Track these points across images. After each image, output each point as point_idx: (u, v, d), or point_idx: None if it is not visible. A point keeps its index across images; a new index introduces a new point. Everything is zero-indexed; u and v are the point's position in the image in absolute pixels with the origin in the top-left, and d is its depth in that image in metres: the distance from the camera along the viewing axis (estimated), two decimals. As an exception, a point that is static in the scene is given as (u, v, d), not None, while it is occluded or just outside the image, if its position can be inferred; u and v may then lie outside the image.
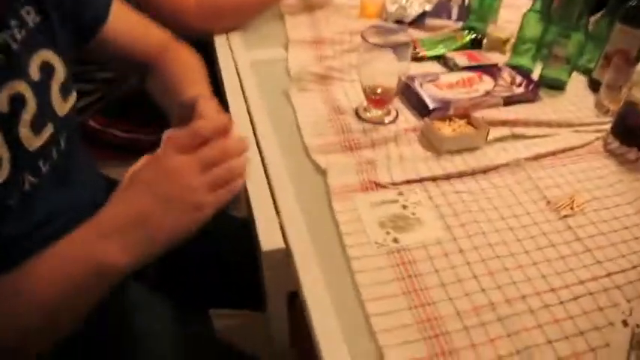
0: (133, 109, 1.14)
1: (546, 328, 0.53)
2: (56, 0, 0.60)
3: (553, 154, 0.80)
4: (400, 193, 0.68)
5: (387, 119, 0.83)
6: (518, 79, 0.93)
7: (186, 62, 0.80)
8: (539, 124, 0.86)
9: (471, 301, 0.55)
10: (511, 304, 0.55)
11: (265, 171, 0.72)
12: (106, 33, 0.72)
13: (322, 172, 0.72)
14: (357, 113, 0.84)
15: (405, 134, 0.80)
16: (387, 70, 0.79)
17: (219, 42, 1.05)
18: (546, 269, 0.60)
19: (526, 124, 0.85)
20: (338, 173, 0.71)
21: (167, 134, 0.58)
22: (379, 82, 0.81)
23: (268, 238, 0.61)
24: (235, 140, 0.57)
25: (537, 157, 0.78)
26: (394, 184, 0.70)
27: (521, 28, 0.99)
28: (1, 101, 0.53)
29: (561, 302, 0.56)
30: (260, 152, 0.75)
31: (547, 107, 0.91)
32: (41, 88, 0.59)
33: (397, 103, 0.87)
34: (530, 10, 0.97)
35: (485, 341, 0.51)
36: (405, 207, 0.66)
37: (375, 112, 0.83)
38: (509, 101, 0.90)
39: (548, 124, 0.86)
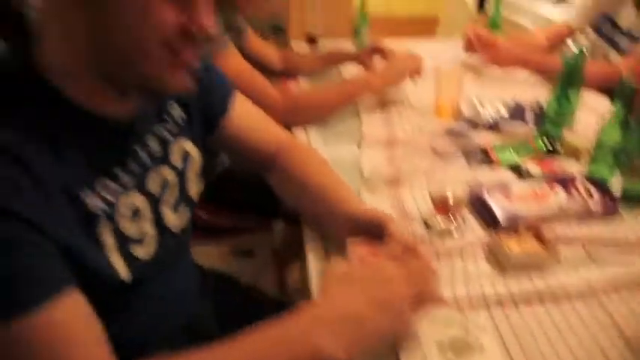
0: (218, 192, 1.22)
1: None
2: (191, 93, 0.69)
3: (634, 282, 0.74)
4: (462, 312, 0.67)
5: (453, 229, 0.83)
6: (595, 192, 0.90)
7: (317, 164, 0.87)
8: (616, 244, 0.82)
9: None
10: None
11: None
12: (227, 126, 0.81)
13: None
14: (424, 221, 0.86)
15: (470, 247, 0.79)
16: (457, 178, 0.81)
17: (299, 137, 1.13)
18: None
19: (602, 243, 0.81)
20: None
21: (351, 241, 0.68)
22: (448, 190, 0.82)
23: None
24: (430, 266, 0.64)
25: (615, 286, 0.73)
26: (457, 301, 0.69)
27: (599, 135, 0.97)
28: (154, 184, 0.63)
29: None
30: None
31: (626, 225, 0.87)
32: (182, 174, 0.69)
33: (465, 213, 0.88)
34: (609, 117, 0.95)
35: None
36: (466, 330, 0.64)
37: (442, 222, 0.84)
38: (584, 217, 0.87)
39: (628, 246, 0.82)
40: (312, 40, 1.79)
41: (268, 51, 1.49)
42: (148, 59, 0.52)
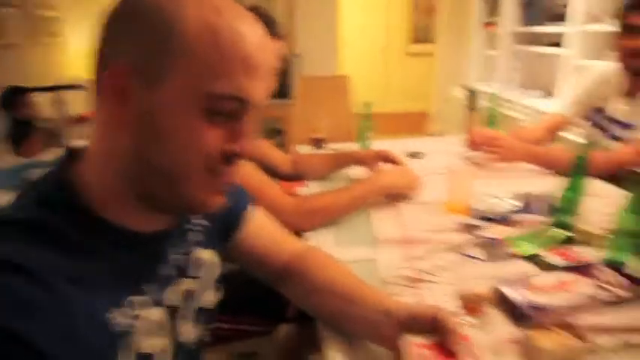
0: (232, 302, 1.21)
1: None
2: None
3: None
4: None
5: (485, 327, 0.81)
6: (620, 278, 0.90)
7: (337, 267, 0.86)
8: (652, 330, 0.80)
9: None
10: None
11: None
12: (241, 239, 0.82)
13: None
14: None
15: (501, 345, 0.77)
16: (478, 274, 0.80)
17: (310, 240, 1.13)
18: None
19: (636, 329, 0.80)
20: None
21: (406, 340, 0.66)
22: (471, 288, 0.82)
23: None
24: None
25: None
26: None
27: (617, 222, 0.98)
28: (175, 296, 0.64)
29: None
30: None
31: (658, 308, 0.86)
32: (202, 283, 0.70)
33: (491, 309, 0.86)
34: (626, 205, 0.96)
35: None
36: None
37: (469, 320, 0.82)
38: (613, 304, 0.86)
39: (663, 330, 0.80)
40: (317, 144, 1.87)
41: (275, 154, 1.55)
42: (189, 181, 0.54)
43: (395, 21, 6.21)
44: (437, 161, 1.67)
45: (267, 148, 1.54)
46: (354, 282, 0.81)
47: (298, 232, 1.16)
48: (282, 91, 3.06)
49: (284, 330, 1.38)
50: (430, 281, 0.96)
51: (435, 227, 1.17)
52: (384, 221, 1.22)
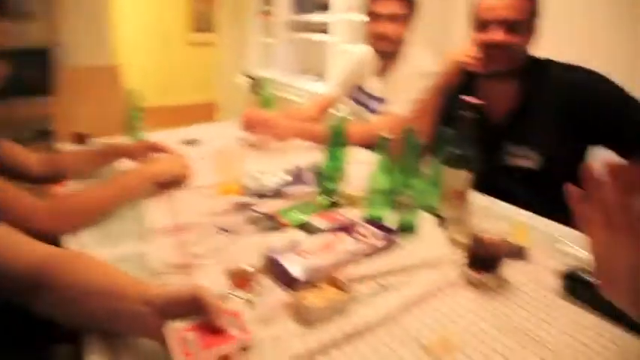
0: None
1: None
2: None
3: (420, 298, 0.83)
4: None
5: (254, 299, 0.81)
6: (376, 231, 1.00)
7: (96, 268, 0.76)
8: (402, 270, 0.90)
9: None
10: None
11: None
12: None
13: None
14: (222, 300, 0.82)
15: (274, 312, 0.78)
16: (250, 249, 0.80)
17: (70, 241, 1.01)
18: None
19: (389, 272, 0.89)
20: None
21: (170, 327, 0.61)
22: (242, 262, 0.81)
23: None
24: None
25: (407, 305, 0.80)
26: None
27: (370, 183, 1.08)
28: None
29: None
30: None
31: (405, 252, 0.97)
32: None
33: (265, 280, 0.87)
34: (376, 166, 1.07)
35: None
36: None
37: (242, 294, 0.81)
38: (370, 254, 0.94)
39: (410, 269, 0.91)
40: (80, 140, 1.67)
41: (23, 156, 1.34)
42: None
43: (173, 9, 5.97)
44: (213, 147, 1.64)
45: (13, 151, 1.32)
46: (113, 278, 0.73)
47: (56, 238, 1.02)
48: (42, 86, 2.68)
49: (59, 353, 1.21)
50: (201, 264, 0.93)
51: (209, 210, 1.13)
52: (156, 211, 1.14)
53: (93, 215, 1.08)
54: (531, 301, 0.83)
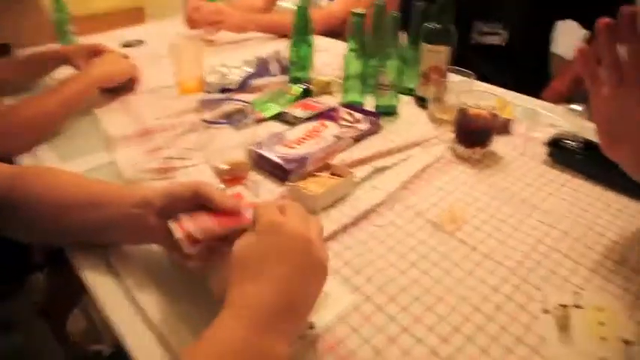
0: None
1: (491, 350, 0.51)
2: None
3: (416, 177, 0.82)
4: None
5: (250, 195, 0.77)
6: (358, 115, 0.96)
7: (70, 179, 0.67)
8: (391, 152, 0.88)
9: (415, 354, 0.51)
10: (449, 341, 0.52)
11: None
12: None
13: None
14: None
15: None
16: (231, 145, 0.74)
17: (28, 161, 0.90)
18: (462, 291, 0.59)
19: (382, 155, 0.86)
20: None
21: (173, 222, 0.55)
22: (228, 159, 0.75)
23: None
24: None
25: (405, 185, 0.79)
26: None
27: (345, 67, 1.02)
28: None
29: (489, 318, 0.55)
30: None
31: (391, 134, 0.95)
32: None
33: (255, 176, 0.82)
34: (348, 50, 1.00)
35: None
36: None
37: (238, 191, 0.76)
38: (358, 139, 0.91)
39: (400, 149, 0.89)
40: (3, 51, 1.47)
41: None
42: None
43: None
44: (158, 46, 1.49)
45: None
46: (90, 188, 0.65)
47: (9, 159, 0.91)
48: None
49: (36, 281, 1.13)
50: (184, 166, 0.86)
51: (172, 112, 1.04)
52: (114, 119, 1.03)
53: (40, 130, 0.95)
54: (523, 172, 0.84)
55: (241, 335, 0.42)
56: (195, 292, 0.57)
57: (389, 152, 0.87)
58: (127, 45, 1.52)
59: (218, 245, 0.54)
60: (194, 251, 0.53)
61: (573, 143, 0.85)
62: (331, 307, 0.56)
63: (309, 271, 0.47)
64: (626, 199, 0.76)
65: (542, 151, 0.88)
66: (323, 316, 0.55)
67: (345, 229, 0.69)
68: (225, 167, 0.75)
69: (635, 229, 0.70)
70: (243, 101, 1.02)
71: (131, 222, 0.60)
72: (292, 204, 0.52)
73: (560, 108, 1.05)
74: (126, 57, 1.20)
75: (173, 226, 0.55)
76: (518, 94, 1.15)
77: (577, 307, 0.56)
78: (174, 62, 1.12)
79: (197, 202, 0.57)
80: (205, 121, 0.70)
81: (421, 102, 1.06)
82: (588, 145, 0.83)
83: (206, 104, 1.04)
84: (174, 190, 0.59)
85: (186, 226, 0.54)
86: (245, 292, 0.44)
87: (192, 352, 0.41)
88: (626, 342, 0.52)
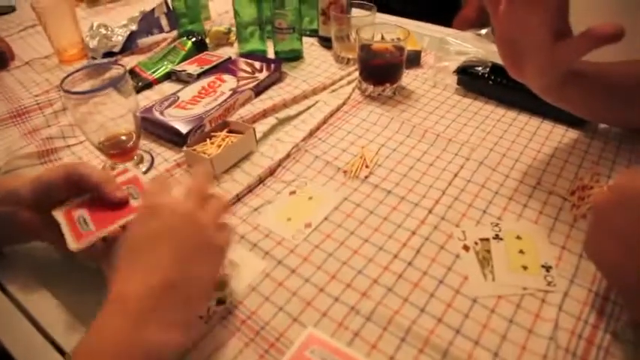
0: None
1: (412, 298, 0.48)
2: None
3: (324, 122, 0.76)
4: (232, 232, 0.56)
5: (143, 168, 0.69)
6: (257, 64, 0.88)
7: None
8: (297, 99, 0.81)
9: (333, 315, 0.47)
10: (368, 295, 0.48)
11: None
12: None
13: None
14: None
15: (171, 176, 0.67)
16: (116, 115, 0.65)
17: None
18: (378, 239, 0.55)
19: (286, 104, 0.80)
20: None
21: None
22: (113, 131, 0.66)
23: None
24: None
25: (312, 133, 0.74)
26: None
27: (237, 14, 0.93)
28: None
29: (409, 263, 0.51)
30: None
31: (296, 80, 0.88)
32: None
33: (149, 145, 0.74)
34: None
35: (369, 350, 0.43)
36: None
37: (124, 166, 0.67)
38: (259, 90, 0.84)
39: (305, 96, 0.83)
40: None
41: None
42: None
43: None
44: (27, 13, 1.30)
45: None
46: None
47: None
48: None
49: None
50: (66, 145, 0.76)
51: (52, 84, 0.91)
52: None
53: None
54: (435, 104, 0.81)
55: (124, 333, 0.36)
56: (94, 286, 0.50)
57: (294, 100, 0.81)
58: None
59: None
60: (80, 247, 0.45)
61: (481, 69, 0.82)
62: (242, 278, 0.51)
63: (196, 252, 0.42)
64: (538, 120, 0.75)
65: (453, 81, 0.85)
66: (234, 287, 0.50)
67: (250, 189, 0.63)
68: (112, 141, 0.66)
69: (547, 149, 0.68)
70: (120, 65, 0.91)
71: (7, 224, 0.51)
72: (191, 184, 0.46)
73: (467, 34, 1.02)
74: None
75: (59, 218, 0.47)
76: (425, 24, 1.10)
77: (497, 238, 0.54)
78: (47, 29, 0.98)
79: (74, 185, 0.49)
80: (78, 92, 0.60)
81: (325, 42, 0.99)
82: (496, 69, 0.81)
83: (89, 73, 0.92)
84: (45, 177, 0.50)
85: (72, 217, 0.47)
86: (125, 282, 0.39)
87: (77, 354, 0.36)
88: (546, 267, 0.50)
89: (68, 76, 0.62)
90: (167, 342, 0.37)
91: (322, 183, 0.64)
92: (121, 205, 0.49)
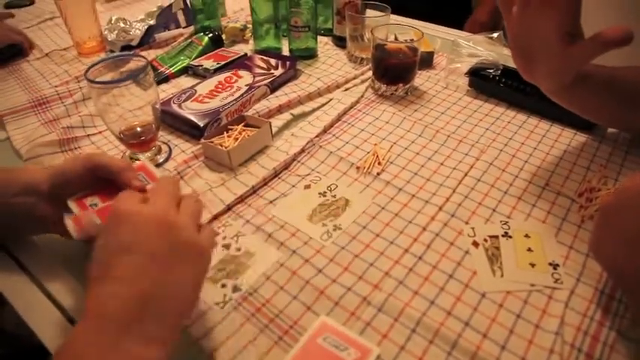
0: None
1: (423, 291, 0.49)
2: None
3: (338, 119, 0.78)
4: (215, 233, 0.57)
5: (160, 158, 0.70)
6: (273, 61, 0.89)
7: None
8: (311, 97, 0.83)
9: (345, 304, 0.48)
10: (380, 287, 0.50)
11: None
12: None
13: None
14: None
15: (188, 167, 0.68)
16: (136, 105, 0.67)
17: None
18: (389, 233, 0.56)
19: (301, 100, 0.81)
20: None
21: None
22: (132, 122, 0.68)
23: None
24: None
25: (326, 130, 0.75)
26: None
27: (253, 12, 0.94)
28: None
29: (420, 257, 0.53)
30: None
31: (310, 78, 0.89)
32: None
33: (167, 136, 0.76)
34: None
35: (379, 340, 0.45)
36: (226, 246, 0.55)
37: (144, 157, 0.70)
38: (274, 86, 0.85)
39: (320, 94, 0.84)
40: None
41: None
42: None
43: None
44: (52, 5, 1.33)
45: None
46: None
47: None
48: None
49: None
50: (86, 135, 0.78)
51: (71, 76, 0.93)
52: (3, 90, 0.92)
53: None
54: (447, 105, 0.82)
55: (100, 354, 0.35)
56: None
57: (309, 97, 0.83)
58: (11, 5, 1.35)
59: None
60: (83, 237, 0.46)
61: (493, 71, 0.83)
62: (257, 266, 0.53)
63: (173, 256, 0.39)
64: (547, 123, 0.76)
65: (465, 82, 0.86)
66: (250, 275, 0.51)
67: (265, 182, 0.65)
68: (131, 132, 0.68)
69: (556, 152, 0.69)
70: (142, 57, 0.93)
71: (16, 214, 0.52)
72: (159, 187, 0.45)
73: (479, 37, 1.03)
74: (12, 16, 1.07)
75: (73, 206, 0.49)
76: (438, 26, 1.12)
77: (505, 236, 0.56)
78: (67, 22, 1.00)
79: (93, 175, 0.50)
80: (103, 82, 0.62)
81: (339, 42, 1.01)
82: (507, 72, 0.82)
83: (108, 65, 0.94)
84: (63, 168, 0.51)
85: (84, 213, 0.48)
86: (98, 296, 0.37)
87: None
88: (554, 265, 0.52)
89: (92, 66, 0.64)
90: (147, 357, 0.36)
91: (335, 178, 0.65)
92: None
